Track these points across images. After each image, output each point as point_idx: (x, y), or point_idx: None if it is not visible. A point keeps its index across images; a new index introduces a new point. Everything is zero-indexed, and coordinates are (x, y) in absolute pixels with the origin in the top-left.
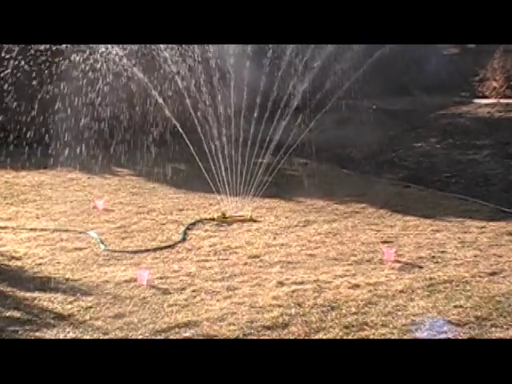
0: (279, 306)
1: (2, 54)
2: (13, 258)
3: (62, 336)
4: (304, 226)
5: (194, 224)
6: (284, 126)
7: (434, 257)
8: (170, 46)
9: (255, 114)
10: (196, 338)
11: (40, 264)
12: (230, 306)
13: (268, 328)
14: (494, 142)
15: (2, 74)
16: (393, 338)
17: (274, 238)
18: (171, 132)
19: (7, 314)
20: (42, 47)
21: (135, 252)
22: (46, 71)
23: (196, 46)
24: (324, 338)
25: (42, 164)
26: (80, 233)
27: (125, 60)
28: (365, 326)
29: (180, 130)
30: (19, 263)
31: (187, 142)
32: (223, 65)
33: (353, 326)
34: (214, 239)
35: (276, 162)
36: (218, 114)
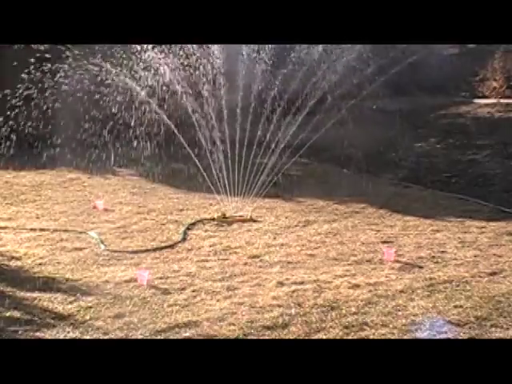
0: (279, 306)
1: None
2: (13, 257)
3: (62, 336)
4: (304, 226)
5: (194, 224)
6: (285, 127)
7: (434, 257)
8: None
9: (256, 115)
10: (196, 338)
11: (40, 264)
12: (230, 305)
13: (268, 328)
14: (493, 142)
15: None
16: (393, 338)
17: (274, 238)
18: (171, 132)
19: (7, 314)
20: (43, 47)
21: (135, 252)
22: (47, 72)
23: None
24: (324, 337)
25: (42, 164)
26: (80, 233)
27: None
28: (365, 326)
29: (179, 130)
30: (19, 263)
31: (187, 142)
32: (224, 64)
33: (353, 326)
34: (213, 239)
35: (276, 162)
36: (218, 115)
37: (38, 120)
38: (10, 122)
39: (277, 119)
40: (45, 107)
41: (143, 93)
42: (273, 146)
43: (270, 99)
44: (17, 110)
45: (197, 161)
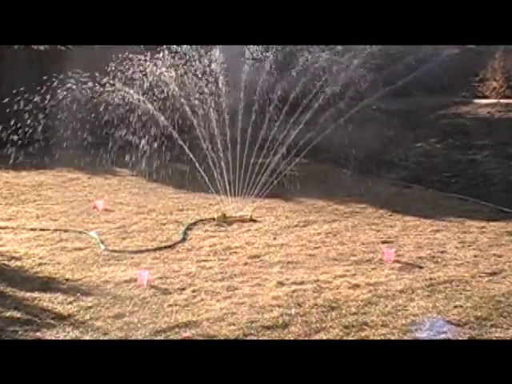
0: (279, 306)
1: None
2: (13, 258)
3: (62, 336)
4: (304, 225)
5: (194, 224)
6: (286, 128)
7: (433, 257)
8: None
9: (256, 115)
10: (196, 338)
11: (40, 264)
12: (229, 305)
13: (268, 328)
14: (494, 142)
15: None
16: (393, 338)
17: (274, 238)
18: (171, 132)
19: (7, 314)
20: (43, 47)
21: (135, 252)
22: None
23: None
24: (324, 338)
25: (42, 164)
26: (80, 233)
27: None
28: (365, 326)
29: (179, 130)
30: (19, 263)
31: (187, 142)
32: (224, 64)
33: (353, 326)
34: (213, 239)
35: (277, 162)
36: (218, 115)
37: (40, 121)
38: (11, 122)
39: (277, 120)
40: (46, 107)
41: (140, 96)
42: (274, 146)
43: (270, 100)
44: (18, 111)
45: (196, 162)
